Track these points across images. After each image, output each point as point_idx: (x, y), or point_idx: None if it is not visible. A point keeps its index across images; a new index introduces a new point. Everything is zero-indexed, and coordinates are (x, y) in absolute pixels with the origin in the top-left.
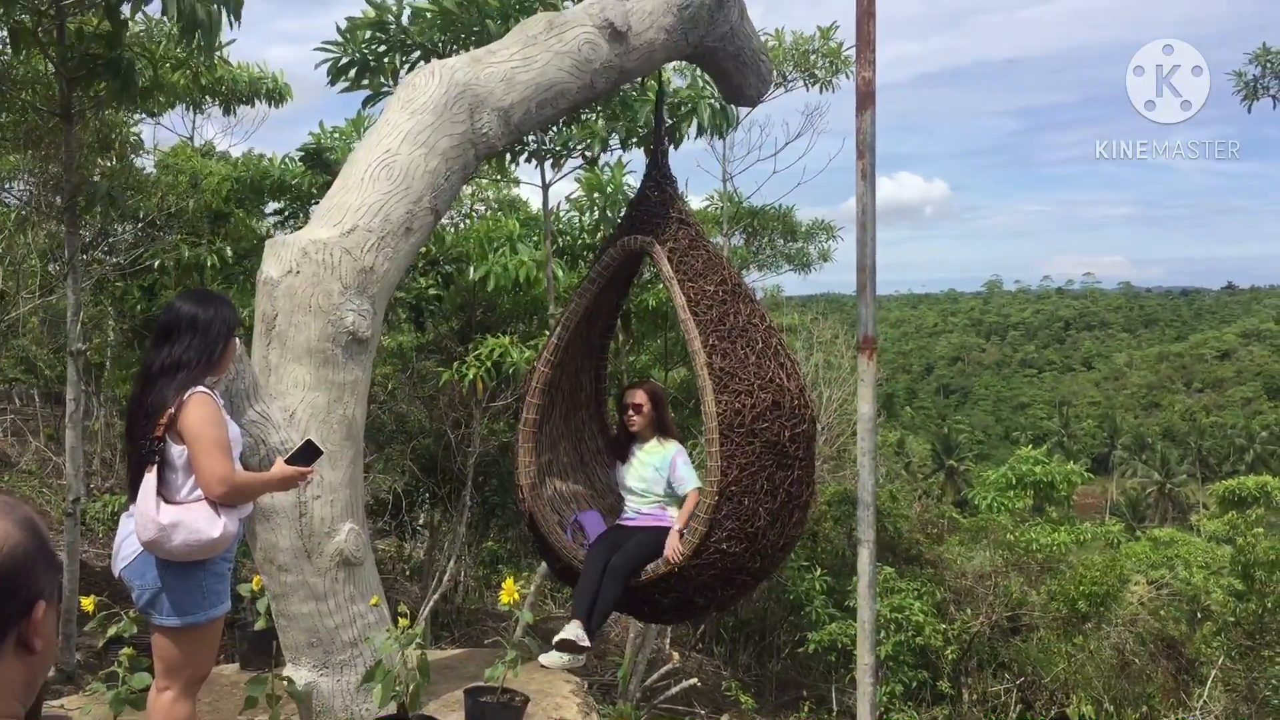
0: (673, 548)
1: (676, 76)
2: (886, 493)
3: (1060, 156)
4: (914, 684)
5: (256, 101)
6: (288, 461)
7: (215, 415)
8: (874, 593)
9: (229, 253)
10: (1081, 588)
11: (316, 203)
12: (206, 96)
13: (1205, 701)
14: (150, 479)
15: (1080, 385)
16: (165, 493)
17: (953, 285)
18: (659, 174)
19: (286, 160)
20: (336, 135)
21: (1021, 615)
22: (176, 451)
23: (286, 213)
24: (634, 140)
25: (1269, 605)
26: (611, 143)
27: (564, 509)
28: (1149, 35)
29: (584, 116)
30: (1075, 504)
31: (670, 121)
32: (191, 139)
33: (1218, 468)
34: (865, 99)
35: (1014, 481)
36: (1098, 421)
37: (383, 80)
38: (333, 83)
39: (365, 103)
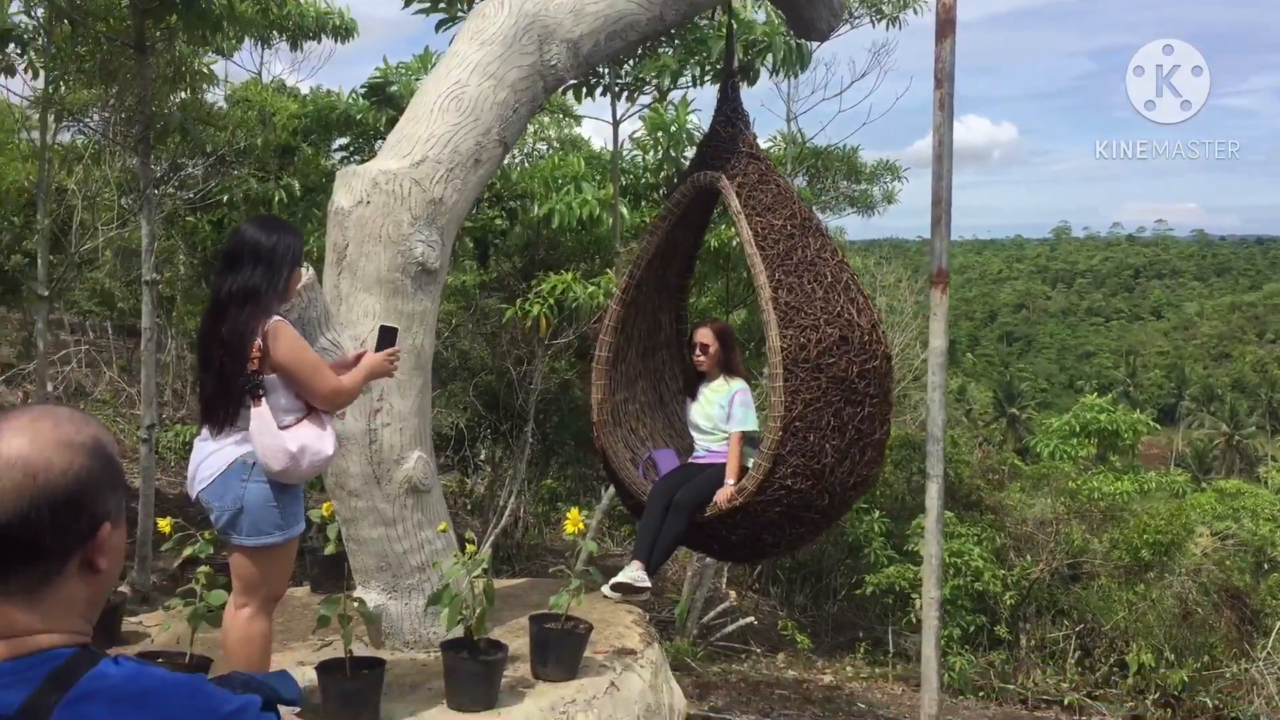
0: (724, 495)
1: (754, 13)
2: (948, 438)
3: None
4: (971, 628)
5: (323, 37)
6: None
7: (300, 338)
8: (941, 528)
9: (296, 188)
10: (1145, 536)
11: (382, 138)
12: (274, 32)
13: (1269, 652)
14: (264, 413)
15: (1148, 334)
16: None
17: (1019, 231)
18: (729, 109)
19: (353, 95)
20: (402, 70)
21: (1082, 563)
22: (270, 381)
23: (352, 148)
24: (707, 77)
25: None
26: (684, 79)
27: (638, 447)
28: None
29: (659, 50)
30: (1140, 454)
31: (745, 58)
32: (260, 75)
33: None
34: (945, 26)
35: (1077, 429)
36: (1165, 371)
37: (459, 4)
38: (407, 4)
39: (438, 27)
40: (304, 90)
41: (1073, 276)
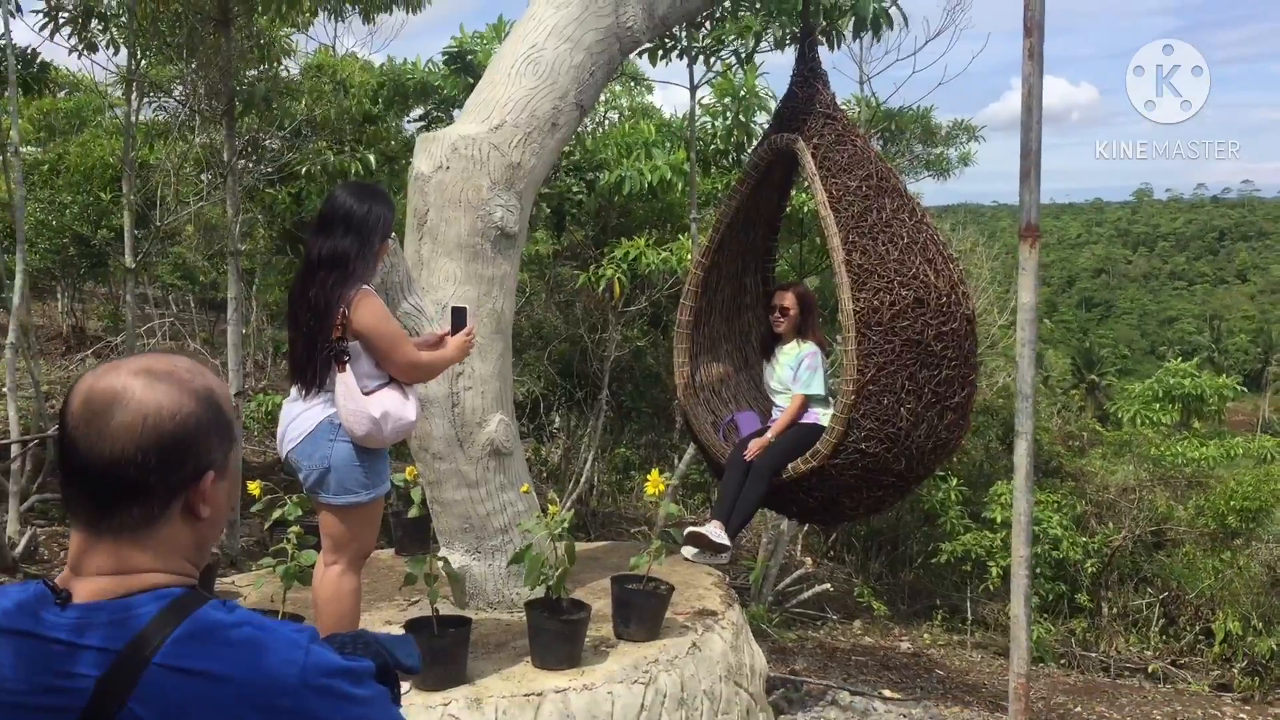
0: (752, 450)
1: None
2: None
3: (1221, 56)
4: (1051, 596)
5: (394, 8)
6: (450, 334)
7: (384, 309)
8: (1030, 486)
9: (372, 160)
10: (1232, 503)
11: (459, 107)
12: (347, 4)
13: None
14: (348, 378)
15: (1234, 299)
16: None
17: (1099, 195)
18: (807, 69)
19: (430, 64)
20: (478, 39)
21: (1166, 530)
22: (354, 348)
23: (430, 117)
24: (788, 41)
25: None
26: (765, 44)
27: (720, 410)
28: None
29: (740, 13)
30: (1226, 420)
31: (827, 22)
32: (333, 47)
33: None
34: None
35: (1160, 395)
36: (1252, 336)
37: None
38: None
39: None
40: (377, 62)
41: (1155, 240)
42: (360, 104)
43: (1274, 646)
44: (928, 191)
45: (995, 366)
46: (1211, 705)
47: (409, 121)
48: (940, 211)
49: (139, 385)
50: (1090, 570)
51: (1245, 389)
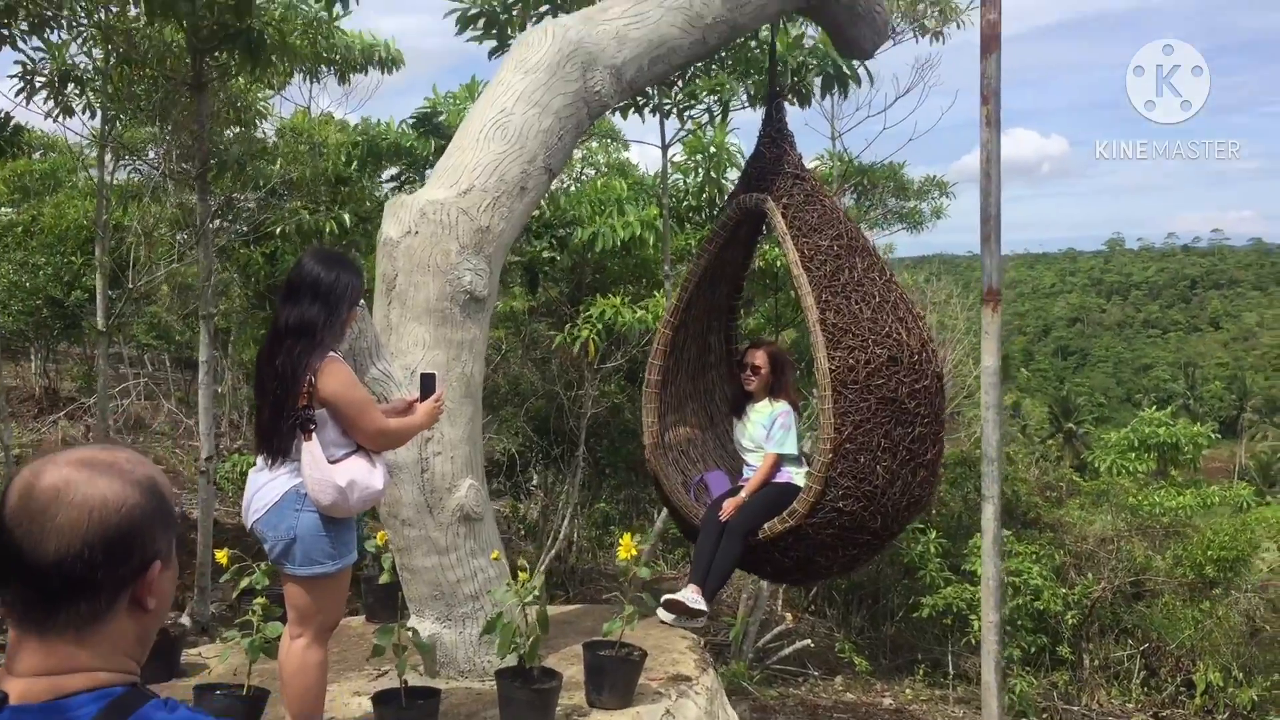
0: (727, 511)
1: (809, 31)
2: (1003, 455)
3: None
4: (1033, 649)
5: (370, 69)
6: (419, 400)
7: (352, 376)
8: (999, 550)
9: (346, 219)
10: (1209, 552)
11: (431, 167)
12: (323, 65)
13: None
14: (314, 447)
15: (1207, 346)
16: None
17: (1071, 244)
18: (774, 130)
19: (402, 125)
20: (450, 100)
21: (1145, 580)
22: (321, 416)
23: (403, 178)
24: (760, 99)
25: None
26: (738, 100)
27: (689, 469)
28: None
29: (712, 70)
30: (1202, 468)
31: (796, 80)
32: (308, 108)
33: None
34: (990, 42)
35: (1136, 444)
36: (1226, 383)
37: (510, 32)
38: (460, 31)
39: (491, 54)
40: (352, 122)
41: (1128, 289)
42: (335, 164)
43: (1255, 697)
44: (901, 243)
45: (972, 417)
46: None
47: (383, 181)
48: (915, 262)
49: (81, 478)
50: (1071, 622)
51: (1220, 436)
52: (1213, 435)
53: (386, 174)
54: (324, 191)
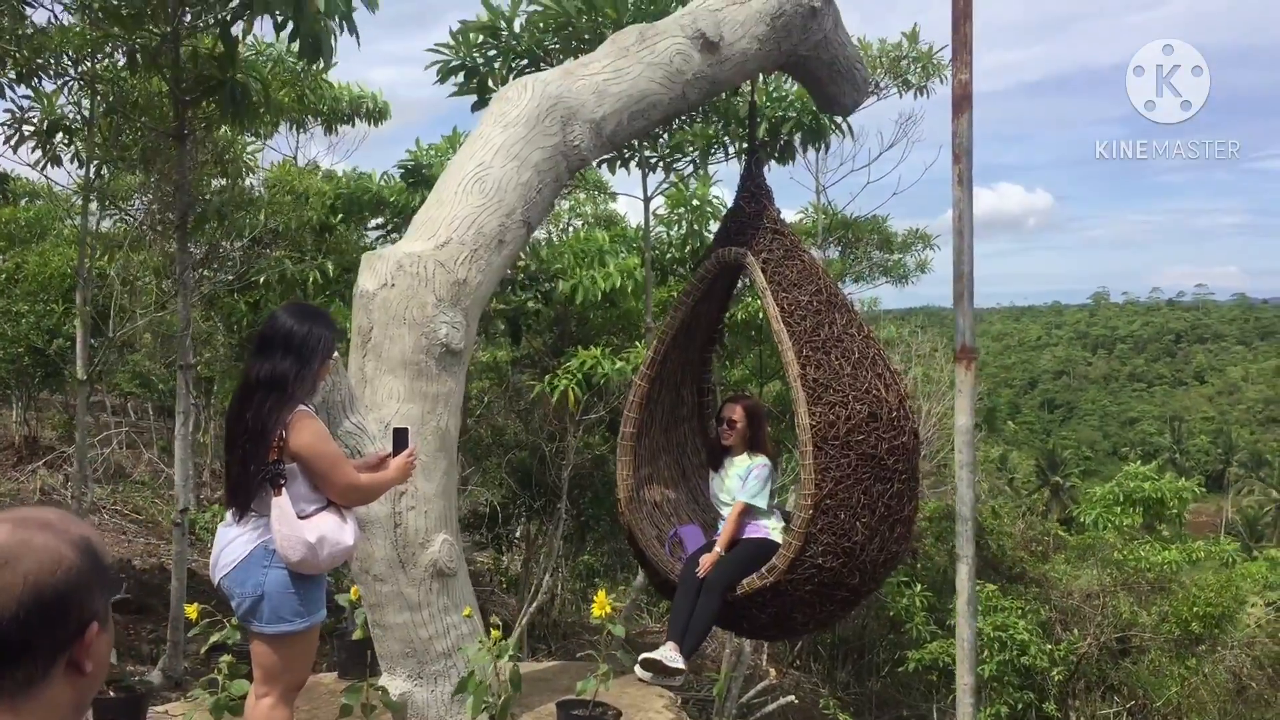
0: (704, 567)
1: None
2: (989, 509)
3: (1169, 164)
4: (1019, 705)
5: (357, 120)
6: (392, 455)
7: (323, 430)
8: (974, 610)
9: (330, 268)
10: (1195, 608)
11: None
12: (309, 116)
13: None
14: (283, 502)
15: (1193, 400)
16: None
17: (1057, 298)
18: (753, 185)
19: (386, 177)
20: (433, 152)
21: (1131, 636)
22: (291, 470)
23: (389, 228)
24: (740, 151)
25: None
26: (718, 155)
27: (663, 523)
28: (1261, 42)
29: (695, 122)
30: (1188, 523)
31: (779, 135)
32: (295, 158)
33: None
34: (962, 102)
35: (1122, 498)
36: (1211, 437)
37: (491, 85)
38: (441, 82)
39: (474, 108)
40: (339, 172)
41: (1113, 342)
42: (319, 213)
43: None
44: (886, 296)
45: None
46: None
47: (368, 230)
48: (901, 315)
49: (14, 540)
50: (1057, 678)
51: (1206, 490)
52: (1198, 489)
53: (372, 224)
54: (308, 241)
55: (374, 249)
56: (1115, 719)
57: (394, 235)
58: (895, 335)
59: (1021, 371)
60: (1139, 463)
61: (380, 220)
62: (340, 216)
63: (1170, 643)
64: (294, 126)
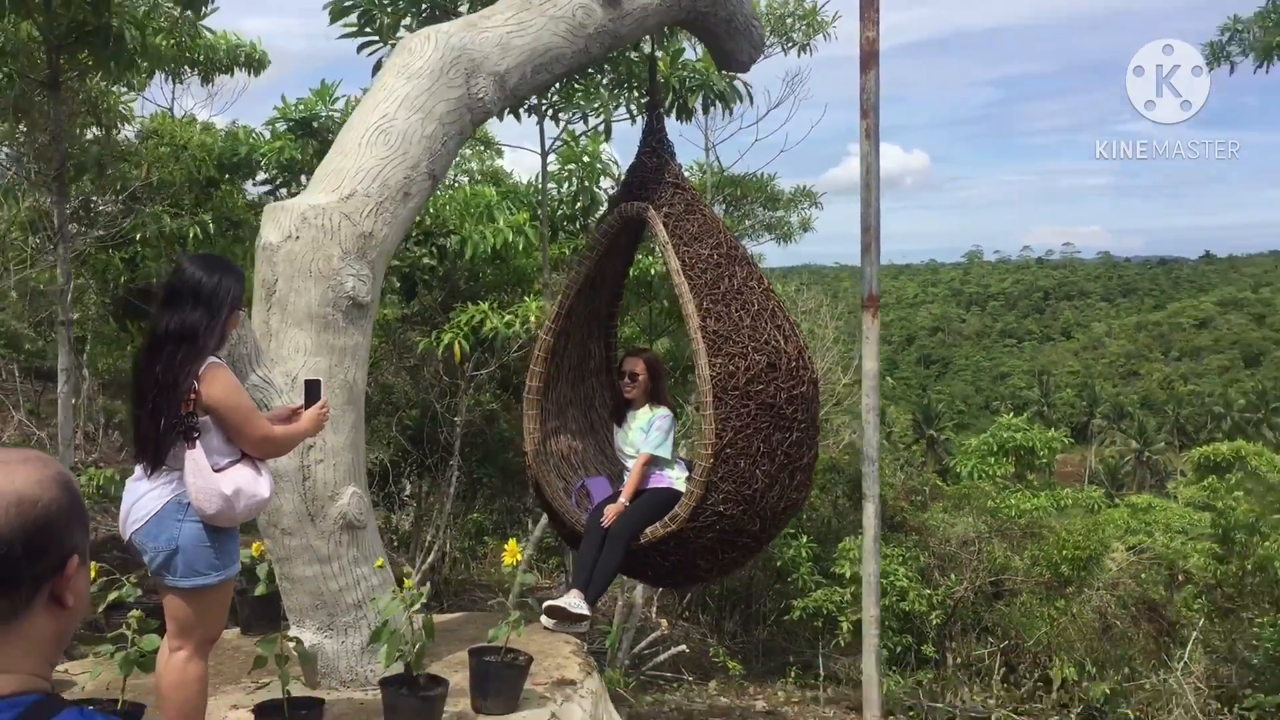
0: (609, 517)
1: (689, 49)
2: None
3: (1039, 126)
4: (899, 649)
5: (235, 70)
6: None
7: (236, 382)
8: (878, 547)
9: (210, 224)
10: (1064, 552)
11: (305, 173)
12: (186, 67)
13: (1186, 662)
14: (198, 455)
15: (1060, 355)
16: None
17: (933, 256)
18: (654, 140)
19: (269, 129)
20: (300, 107)
21: (1004, 580)
22: (204, 423)
23: (279, 181)
24: (639, 111)
25: (1248, 567)
26: (620, 112)
27: (571, 475)
28: (1131, 6)
29: (594, 81)
30: (1055, 472)
31: (678, 96)
32: (171, 110)
33: (1195, 435)
34: (869, 59)
35: (995, 449)
36: (1077, 391)
37: (386, 32)
38: (333, 21)
39: (360, 49)
40: (218, 125)
41: (986, 299)
42: (203, 167)
43: (1106, 690)
44: (771, 254)
45: (840, 424)
46: None
47: (253, 185)
48: (785, 273)
49: None
50: (935, 622)
51: (1073, 441)
52: (1065, 440)
53: (259, 178)
54: (188, 196)
55: (264, 203)
56: (989, 658)
57: (284, 191)
58: (780, 293)
59: (899, 329)
60: (1010, 415)
61: (266, 176)
62: (221, 170)
63: (1040, 585)
64: (170, 77)
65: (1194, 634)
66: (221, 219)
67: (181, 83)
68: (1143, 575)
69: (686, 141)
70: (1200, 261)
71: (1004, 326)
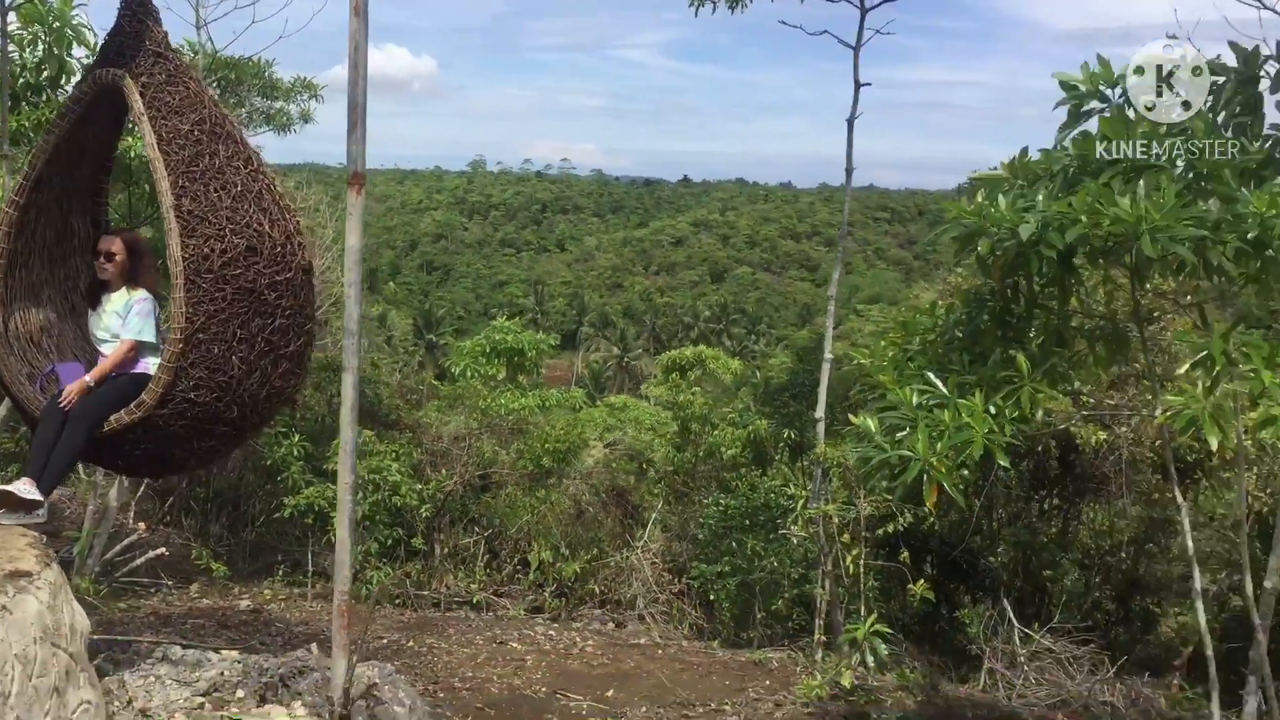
0: (68, 396)
1: None
2: (368, 360)
3: (543, 43)
4: (389, 542)
5: None
6: None
7: None
8: (355, 415)
9: None
10: (546, 446)
11: None
12: None
13: (645, 541)
14: None
15: (554, 265)
16: None
17: (439, 163)
18: (135, 3)
19: None
20: None
21: (492, 473)
22: None
23: None
24: None
25: (700, 454)
26: None
27: (40, 360)
28: None
29: None
30: (545, 376)
31: None
32: None
33: (667, 343)
34: None
35: (488, 350)
36: (568, 300)
37: None
38: None
39: None
40: None
41: (488, 209)
42: None
43: (577, 570)
44: (270, 147)
45: (339, 326)
46: (526, 626)
47: None
48: (285, 169)
49: None
50: (425, 515)
51: (562, 347)
52: (554, 345)
53: None
54: None
55: None
56: (474, 547)
57: None
58: (280, 188)
59: (403, 234)
60: (504, 319)
61: None
62: None
63: (525, 477)
64: None
65: (654, 516)
66: None
67: None
68: (614, 465)
69: (175, 16)
70: (679, 184)
71: (504, 236)
